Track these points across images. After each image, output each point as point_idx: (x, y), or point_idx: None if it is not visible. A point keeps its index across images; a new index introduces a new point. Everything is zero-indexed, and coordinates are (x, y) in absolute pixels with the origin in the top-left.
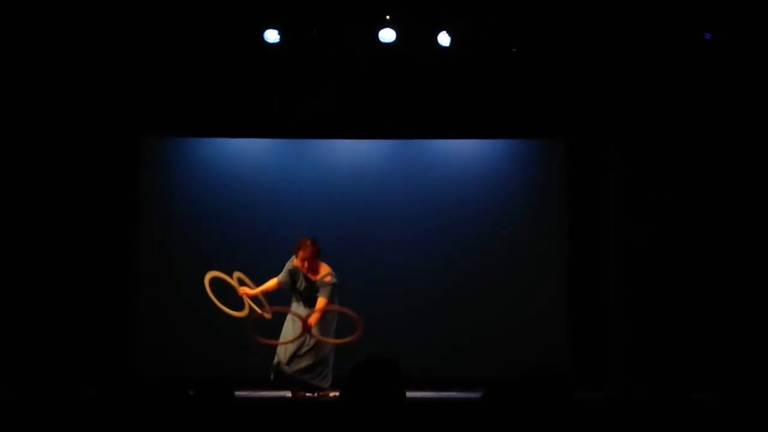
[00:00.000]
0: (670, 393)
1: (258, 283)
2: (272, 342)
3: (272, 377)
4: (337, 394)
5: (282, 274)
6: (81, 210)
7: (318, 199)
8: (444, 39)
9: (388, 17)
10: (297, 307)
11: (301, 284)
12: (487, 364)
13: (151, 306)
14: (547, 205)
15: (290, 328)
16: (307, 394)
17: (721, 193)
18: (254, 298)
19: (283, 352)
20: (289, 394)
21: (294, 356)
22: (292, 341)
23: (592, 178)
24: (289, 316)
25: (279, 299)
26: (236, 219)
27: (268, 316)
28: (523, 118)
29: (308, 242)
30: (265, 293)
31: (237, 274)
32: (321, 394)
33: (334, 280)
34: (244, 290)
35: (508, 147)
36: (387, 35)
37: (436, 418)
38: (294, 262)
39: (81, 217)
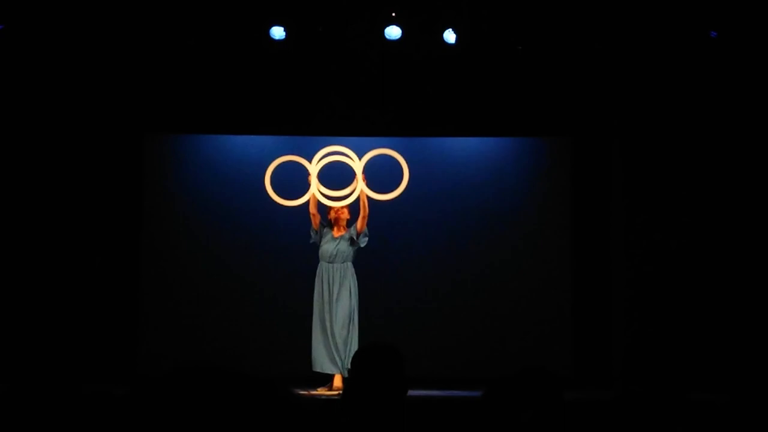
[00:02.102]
0: (672, 392)
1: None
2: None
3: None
4: (331, 392)
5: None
6: (85, 207)
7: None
8: (450, 36)
9: (393, 14)
10: (328, 269)
11: (328, 244)
12: (491, 363)
13: (155, 303)
14: (551, 203)
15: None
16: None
17: (726, 191)
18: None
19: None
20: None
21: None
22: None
23: (597, 176)
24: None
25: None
26: (240, 216)
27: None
28: (528, 116)
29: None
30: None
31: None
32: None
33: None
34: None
35: (513, 145)
36: (393, 32)
37: (440, 416)
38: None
39: (85, 214)
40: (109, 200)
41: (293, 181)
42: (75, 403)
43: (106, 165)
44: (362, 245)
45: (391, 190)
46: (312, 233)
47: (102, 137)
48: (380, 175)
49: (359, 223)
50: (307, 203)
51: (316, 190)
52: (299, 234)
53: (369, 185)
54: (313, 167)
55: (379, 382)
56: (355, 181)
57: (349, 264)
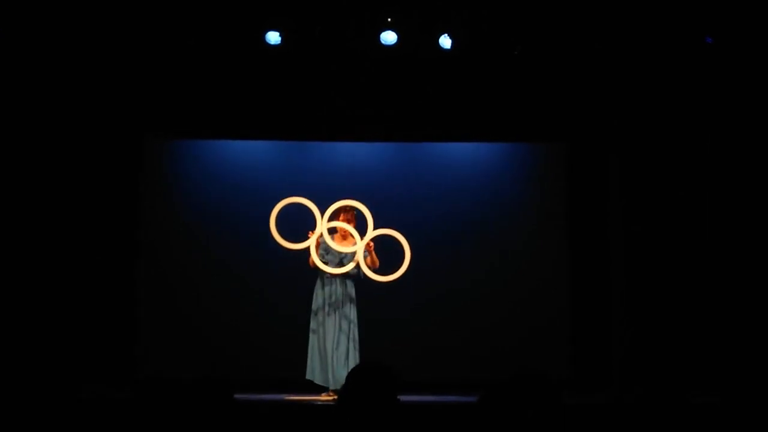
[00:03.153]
0: (670, 395)
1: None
2: None
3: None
4: (329, 397)
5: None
6: (83, 211)
7: (319, 201)
8: (445, 42)
9: (389, 19)
10: (329, 280)
11: (331, 256)
12: (489, 367)
13: (152, 307)
14: (547, 208)
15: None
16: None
17: (723, 195)
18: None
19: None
20: (287, 396)
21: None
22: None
23: (593, 181)
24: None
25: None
26: (237, 221)
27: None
28: (524, 122)
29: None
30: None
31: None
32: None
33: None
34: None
35: (509, 150)
36: (388, 37)
37: (437, 421)
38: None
39: (83, 218)
40: (107, 204)
41: (299, 222)
42: (73, 405)
43: (104, 169)
44: (362, 277)
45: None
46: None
47: (100, 141)
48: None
49: (368, 261)
50: (307, 254)
51: (315, 252)
52: (298, 237)
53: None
54: (322, 225)
55: (370, 404)
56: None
57: (350, 279)
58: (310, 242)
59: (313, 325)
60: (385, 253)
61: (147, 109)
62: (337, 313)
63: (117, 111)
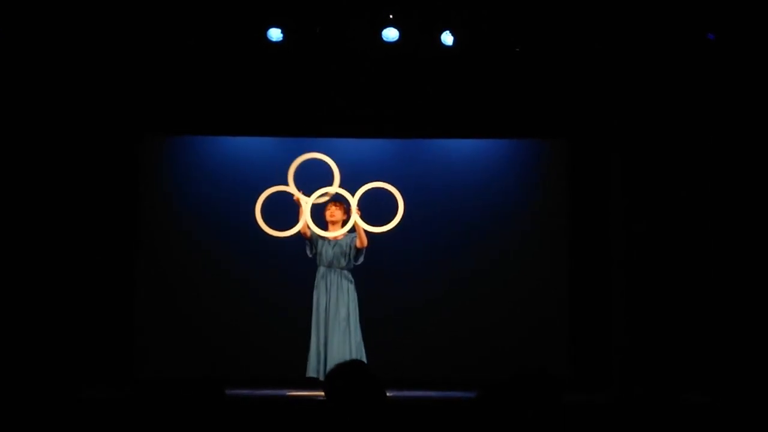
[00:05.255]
0: (668, 394)
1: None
2: None
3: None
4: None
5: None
6: (80, 210)
7: None
8: (447, 38)
9: (391, 16)
10: (326, 274)
11: (326, 248)
12: (489, 367)
13: (151, 307)
14: (548, 205)
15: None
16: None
17: (724, 194)
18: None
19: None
20: (288, 392)
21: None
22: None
23: (594, 179)
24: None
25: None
26: (237, 219)
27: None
28: (525, 118)
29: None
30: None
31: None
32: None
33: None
34: (299, 199)
35: (510, 147)
36: (390, 34)
37: (437, 417)
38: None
39: (80, 216)
40: (105, 203)
41: (284, 210)
42: (72, 405)
43: (103, 167)
44: (357, 263)
45: (387, 218)
46: (308, 248)
47: (98, 139)
48: (376, 200)
49: (358, 242)
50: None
51: (308, 218)
52: (295, 237)
53: (363, 216)
54: (305, 199)
55: (354, 400)
56: (350, 212)
57: (348, 272)
58: (299, 224)
59: (313, 324)
60: (377, 210)
61: (146, 107)
62: (336, 311)
63: (117, 108)
